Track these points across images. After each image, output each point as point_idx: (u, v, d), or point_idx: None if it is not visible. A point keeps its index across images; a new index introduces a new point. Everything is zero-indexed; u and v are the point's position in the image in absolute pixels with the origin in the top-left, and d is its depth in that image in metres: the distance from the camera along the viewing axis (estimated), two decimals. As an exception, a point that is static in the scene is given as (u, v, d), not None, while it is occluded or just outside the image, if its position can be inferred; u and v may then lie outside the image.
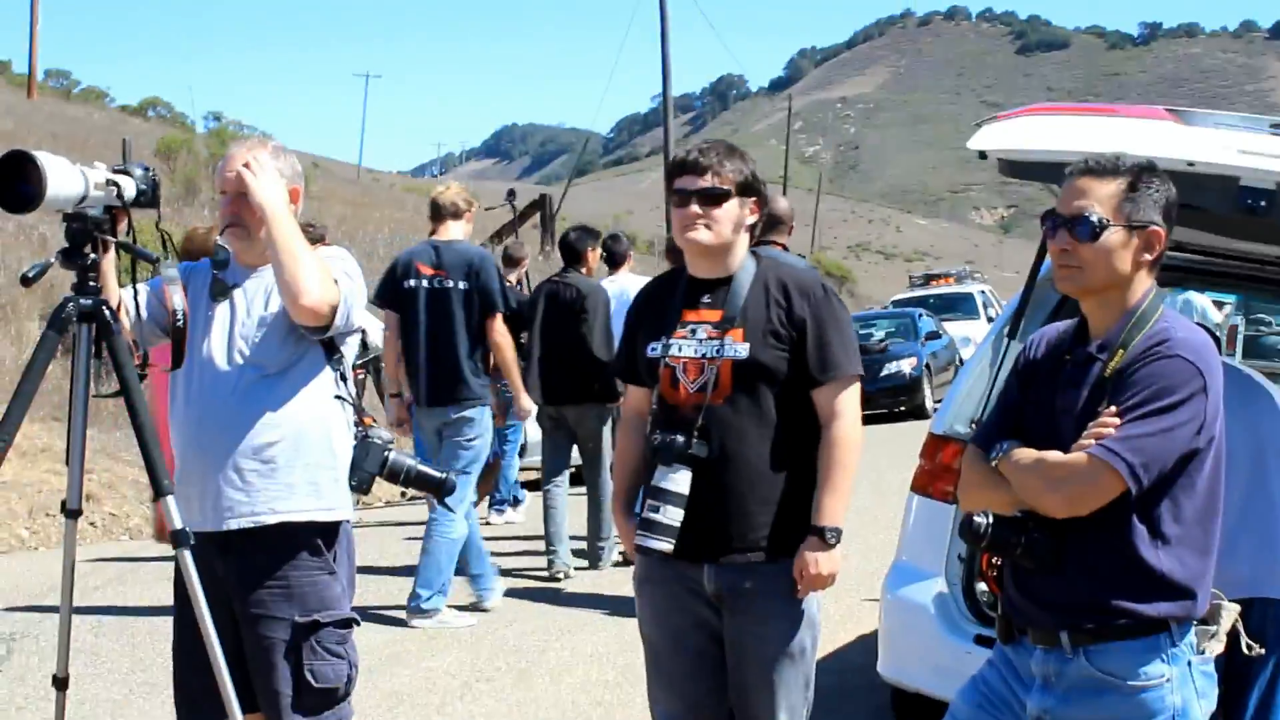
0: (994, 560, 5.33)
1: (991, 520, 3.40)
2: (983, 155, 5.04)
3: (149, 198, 4.28)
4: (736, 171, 4.26)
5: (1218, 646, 3.49)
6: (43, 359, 4.09)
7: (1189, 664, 3.38)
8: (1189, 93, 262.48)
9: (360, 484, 4.54)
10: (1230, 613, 3.52)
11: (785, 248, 7.22)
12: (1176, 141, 4.59)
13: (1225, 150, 4.66)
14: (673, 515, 4.18)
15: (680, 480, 4.17)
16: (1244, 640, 3.67)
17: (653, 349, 4.32)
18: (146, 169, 4.29)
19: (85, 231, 4.12)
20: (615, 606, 8.82)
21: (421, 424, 8.67)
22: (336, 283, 4.31)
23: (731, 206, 4.25)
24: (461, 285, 8.36)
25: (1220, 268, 6.10)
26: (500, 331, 8.52)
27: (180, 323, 4.23)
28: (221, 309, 4.43)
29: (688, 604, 4.29)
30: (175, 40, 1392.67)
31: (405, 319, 8.49)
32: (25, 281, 4.15)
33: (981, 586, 5.26)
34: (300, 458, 4.39)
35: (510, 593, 9.47)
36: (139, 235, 4.23)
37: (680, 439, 4.17)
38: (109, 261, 4.21)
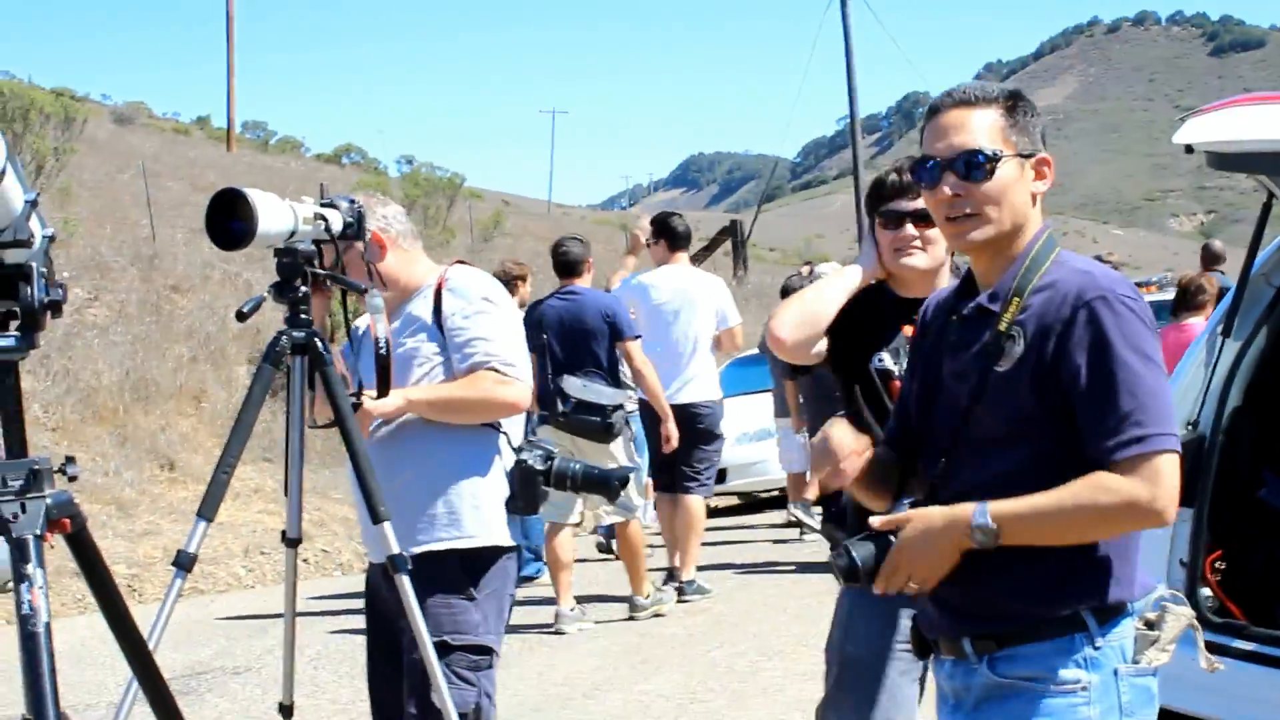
0: (1215, 564, 5.16)
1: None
2: (1189, 150, 4.90)
3: (355, 230, 4.36)
4: None
5: (1162, 657, 2.84)
6: (259, 392, 4.20)
7: (1115, 672, 2.77)
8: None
9: (522, 508, 4.57)
10: (1179, 617, 2.88)
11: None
12: None
13: None
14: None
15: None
16: (1202, 655, 3.07)
17: (879, 359, 4.13)
18: (352, 201, 4.37)
19: (295, 265, 4.21)
20: (824, 626, 8.73)
21: None
22: (504, 371, 4.46)
23: None
24: None
25: None
26: None
27: (384, 351, 4.29)
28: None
29: (897, 625, 4.20)
30: (365, 87, 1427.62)
31: None
32: (240, 317, 4.24)
33: (1205, 592, 5.08)
34: (459, 485, 4.47)
35: (717, 614, 9.48)
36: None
37: None
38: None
